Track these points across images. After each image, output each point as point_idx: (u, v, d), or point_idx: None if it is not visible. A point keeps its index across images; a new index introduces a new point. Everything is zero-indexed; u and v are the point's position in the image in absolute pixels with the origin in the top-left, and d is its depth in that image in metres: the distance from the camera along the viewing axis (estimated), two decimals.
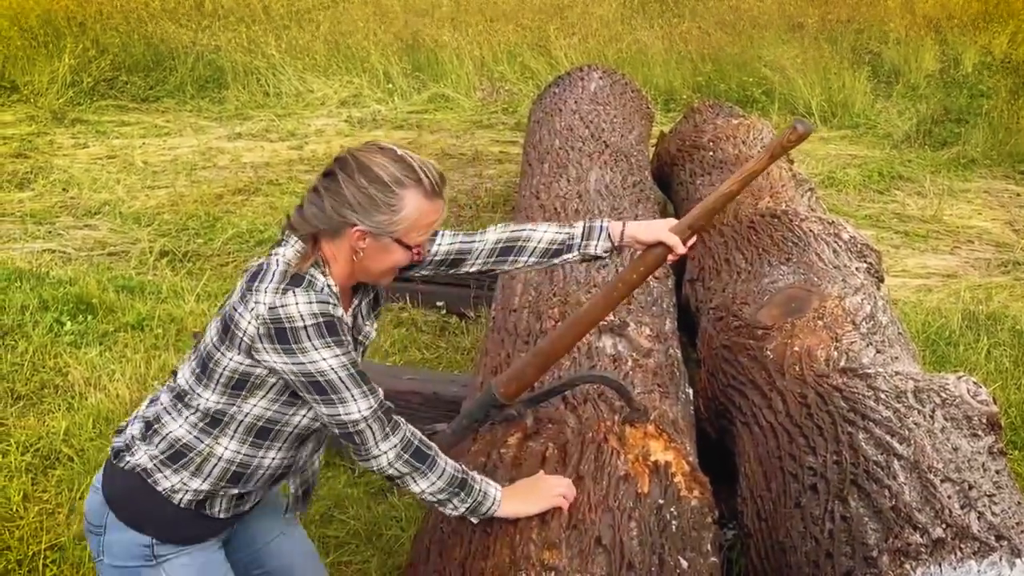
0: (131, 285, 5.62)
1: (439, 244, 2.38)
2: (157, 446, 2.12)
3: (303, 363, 1.97)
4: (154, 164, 8.20)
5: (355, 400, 2.02)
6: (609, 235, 2.41)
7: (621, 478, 2.40)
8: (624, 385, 2.66)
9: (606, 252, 2.43)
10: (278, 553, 2.43)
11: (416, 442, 2.11)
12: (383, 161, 2.04)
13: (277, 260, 2.04)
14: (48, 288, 5.45)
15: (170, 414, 2.13)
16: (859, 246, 4.09)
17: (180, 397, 2.13)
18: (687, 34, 11.23)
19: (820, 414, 2.84)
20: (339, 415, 2.03)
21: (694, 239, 2.43)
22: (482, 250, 2.41)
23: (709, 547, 2.45)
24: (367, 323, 2.27)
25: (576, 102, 6.08)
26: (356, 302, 2.23)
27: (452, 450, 2.68)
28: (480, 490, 2.18)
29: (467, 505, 2.18)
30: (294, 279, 2.00)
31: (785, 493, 2.74)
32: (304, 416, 2.13)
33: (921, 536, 2.23)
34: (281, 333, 1.96)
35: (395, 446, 2.08)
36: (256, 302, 1.98)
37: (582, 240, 2.42)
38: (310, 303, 1.96)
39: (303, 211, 2.08)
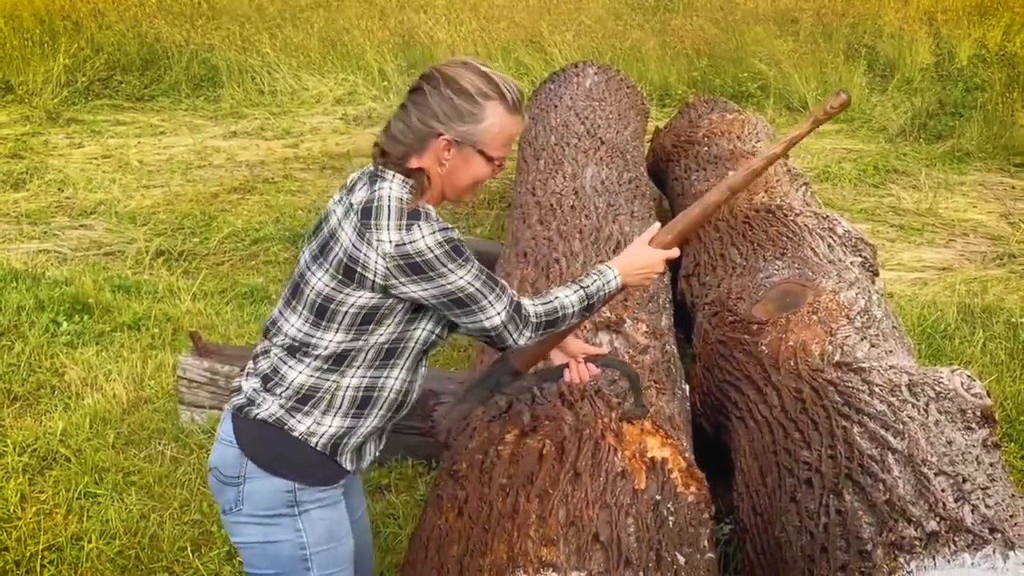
0: (127, 285, 5.61)
1: None
2: (282, 395, 2.21)
3: (443, 285, 2.10)
4: (149, 163, 8.19)
5: (492, 305, 2.16)
6: None
7: (618, 474, 2.41)
8: (637, 377, 2.67)
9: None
10: (359, 530, 2.50)
11: (544, 318, 2.27)
12: (468, 75, 2.15)
13: (389, 196, 2.12)
14: (44, 288, 5.45)
15: (287, 364, 2.21)
16: (854, 240, 4.10)
17: (296, 348, 2.20)
18: (681, 30, 11.23)
19: (815, 408, 2.85)
20: (480, 322, 2.17)
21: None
22: None
23: (706, 543, 2.47)
24: None
25: (571, 98, 6.09)
26: None
27: (456, 426, 2.71)
28: (603, 294, 2.36)
29: (597, 307, 2.38)
30: (412, 213, 2.09)
31: (780, 488, 2.75)
32: (425, 328, 2.23)
33: (915, 529, 2.24)
34: (415, 266, 2.07)
35: (530, 336, 2.25)
36: (379, 240, 2.07)
37: None
38: (434, 233, 2.07)
39: (391, 131, 2.19)
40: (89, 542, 3.48)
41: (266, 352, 2.26)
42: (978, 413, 2.69)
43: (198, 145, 8.69)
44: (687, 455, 2.68)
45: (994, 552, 2.12)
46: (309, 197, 7.32)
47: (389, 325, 2.17)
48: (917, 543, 2.21)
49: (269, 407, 2.21)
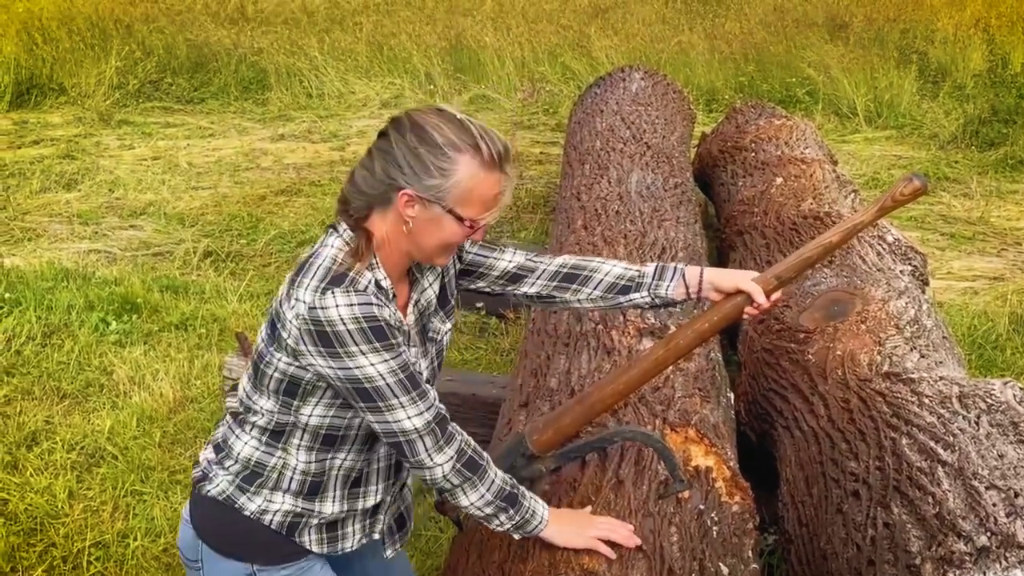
0: (175, 285, 5.68)
1: (509, 261, 2.26)
2: (231, 469, 2.04)
3: (349, 367, 1.84)
4: (198, 165, 8.29)
5: (403, 408, 1.88)
6: (684, 279, 2.22)
7: (662, 483, 2.39)
8: (668, 449, 2.35)
9: (682, 297, 2.23)
10: None
11: (470, 452, 1.99)
12: (438, 122, 1.89)
13: (326, 254, 1.90)
14: (94, 288, 5.53)
15: (234, 433, 2.05)
16: (904, 248, 4.05)
17: (240, 413, 2.05)
18: (729, 34, 11.17)
19: (863, 419, 2.81)
20: (388, 423, 1.90)
21: (779, 293, 2.27)
22: (545, 271, 2.27)
23: (750, 553, 2.44)
24: (435, 318, 2.13)
25: (617, 103, 6.06)
26: (416, 297, 2.09)
27: None
28: (528, 508, 2.07)
29: (514, 522, 2.07)
30: (336, 278, 1.85)
31: (827, 499, 2.71)
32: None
33: (965, 544, 2.20)
34: (323, 336, 1.83)
35: (450, 459, 1.95)
36: (296, 299, 1.85)
37: (653, 280, 2.23)
38: (351, 305, 1.82)
39: (354, 179, 1.95)
40: (135, 540, 3.52)
41: (224, 418, 2.12)
42: None
43: (246, 147, 8.78)
44: (732, 464, 2.65)
45: None
46: None
47: (316, 406, 1.95)
48: (967, 558, 2.16)
49: (220, 483, 2.04)
